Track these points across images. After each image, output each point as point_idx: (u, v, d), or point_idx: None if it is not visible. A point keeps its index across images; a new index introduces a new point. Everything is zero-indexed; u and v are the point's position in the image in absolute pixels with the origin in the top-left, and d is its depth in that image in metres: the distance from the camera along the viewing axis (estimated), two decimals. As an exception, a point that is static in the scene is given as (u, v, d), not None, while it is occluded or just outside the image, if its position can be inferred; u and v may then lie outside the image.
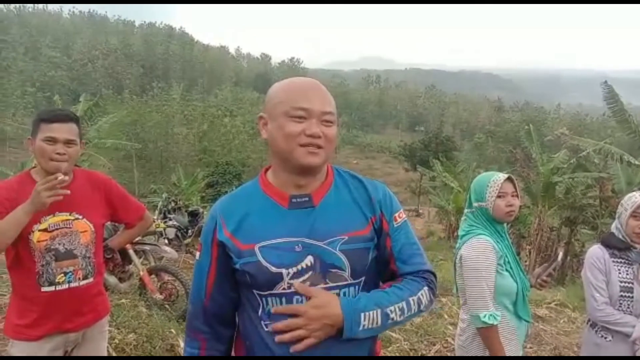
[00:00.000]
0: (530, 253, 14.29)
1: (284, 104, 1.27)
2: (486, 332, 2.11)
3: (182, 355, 3.92)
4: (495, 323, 2.09)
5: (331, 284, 1.29)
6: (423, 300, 1.35)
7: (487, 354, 2.18)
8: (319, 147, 1.27)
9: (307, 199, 1.31)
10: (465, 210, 2.33)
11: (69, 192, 1.99)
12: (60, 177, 1.93)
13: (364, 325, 1.24)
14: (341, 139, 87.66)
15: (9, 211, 1.97)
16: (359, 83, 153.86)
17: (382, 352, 4.61)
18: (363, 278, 1.33)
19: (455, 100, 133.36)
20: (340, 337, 1.24)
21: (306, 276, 1.27)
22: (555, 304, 6.47)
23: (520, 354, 2.29)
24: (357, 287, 1.32)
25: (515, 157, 19.28)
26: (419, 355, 4.68)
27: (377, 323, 1.26)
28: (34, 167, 2.19)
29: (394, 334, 5.06)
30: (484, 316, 2.08)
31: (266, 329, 1.29)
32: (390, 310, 1.28)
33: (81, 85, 78.97)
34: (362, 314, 1.24)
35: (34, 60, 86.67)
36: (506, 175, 2.27)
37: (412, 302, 1.32)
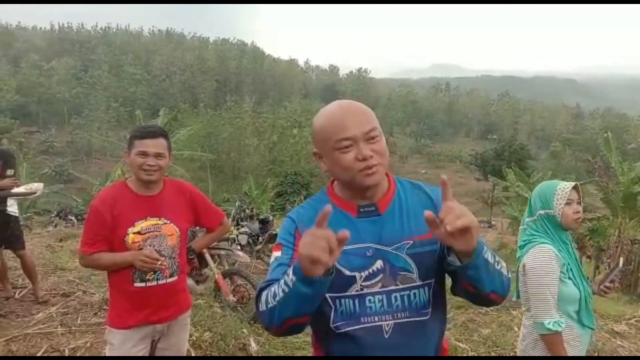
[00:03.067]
0: (609, 266, 13.52)
1: (329, 140, 1.35)
2: (550, 339, 2.15)
3: (252, 355, 4.17)
4: (559, 330, 2.12)
5: (401, 286, 1.37)
6: (504, 271, 1.34)
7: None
8: (375, 165, 1.34)
9: (373, 208, 1.41)
10: (526, 219, 2.37)
11: (162, 268, 2.37)
12: (159, 264, 2.32)
13: (485, 250, 1.25)
14: (408, 148, 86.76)
15: (108, 216, 2.29)
16: (428, 91, 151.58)
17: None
18: (433, 280, 1.39)
19: (530, 107, 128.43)
20: (470, 256, 1.21)
21: (377, 279, 1.36)
22: (636, 320, 6.16)
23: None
24: (426, 288, 1.39)
25: (593, 166, 18.31)
26: (486, 365, 4.64)
27: (490, 257, 1.28)
28: (127, 177, 2.50)
29: (460, 344, 5.04)
30: (548, 323, 2.12)
31: (337, 331, 1.37)
32: (493, 252, 1.30)
33: (160, 100, 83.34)
34: (481, 239, 1.24)
35: (117, 77, 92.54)
36: (573, 184, 2.32)
37: (500, 262, 1.33)
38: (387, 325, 1.36)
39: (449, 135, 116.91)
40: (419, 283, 1.38)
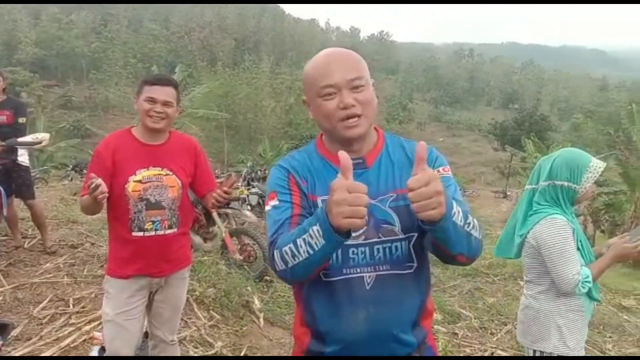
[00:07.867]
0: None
1: (314, 86, 1.35)
2: (595, 280, 2.13)
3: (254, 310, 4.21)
4: (589, 282, 2.09)
5: (383, 238, 1.36)
6: (477, 227, 1.29)
7: (550, 332, 2.18)
8: (358, 115, 1.32)
9: (360, 160, 1.39)
10: (543, 183, 2.21)
11: (102, 196, 2.05)
12: (95, 184, 1.99)
13: (454, 213, 1.19)
14: (427, 115, 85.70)
15: (108, 161, 2.28)
16: (450, 57, 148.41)
17: (452, 328, 4.64)
18: (415, 234, 1.37)
19: (555, 77, 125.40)
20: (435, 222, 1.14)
21: (361, 231, 1.32)
22: (645, 295, 6.12)
23: (586, 331, 2.25)
24: (407, 242, 1.37)
25: (614, 139, 17.89)
26: (489, 333, 4.64)
27: (461, 219, 1.21)
28: (134, 126, 2.46)
29: (464, 311, 5.05)
30: (582, 288, 2.08)
31: (323, 279, 1.36)
32: (466, 213, 1.24)
33: (177, 57, 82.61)
34: (452, 201, 1.19)
35: (135, 32, 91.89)
36: (604, 164, 2.19)
37: (473, 220, 1.27)
38: (369, 277, 1.37)
39: (470, 103, 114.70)
40: (400, 236, 1.37)
